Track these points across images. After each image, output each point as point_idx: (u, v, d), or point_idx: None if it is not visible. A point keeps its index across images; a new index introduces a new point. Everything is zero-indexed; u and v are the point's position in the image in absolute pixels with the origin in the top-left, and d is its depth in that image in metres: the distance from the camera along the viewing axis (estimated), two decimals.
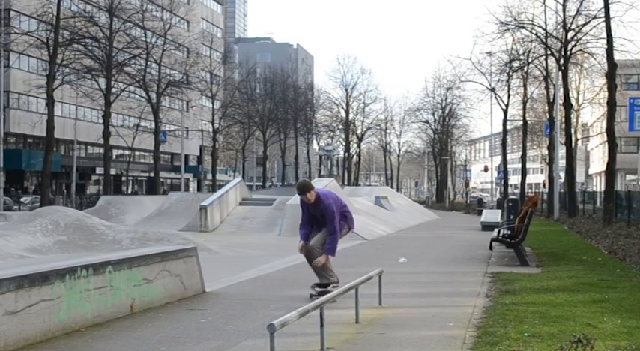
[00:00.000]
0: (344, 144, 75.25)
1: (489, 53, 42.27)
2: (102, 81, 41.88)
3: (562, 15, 32.64)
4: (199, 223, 23.69)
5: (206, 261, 10.74)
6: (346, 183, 66.93)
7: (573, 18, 32.34)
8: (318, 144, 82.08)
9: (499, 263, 13.37)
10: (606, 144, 25.63)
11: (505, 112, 46.99)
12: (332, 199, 9.18)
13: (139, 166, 67.84)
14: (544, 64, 38.50)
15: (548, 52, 34.98)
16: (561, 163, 40.75)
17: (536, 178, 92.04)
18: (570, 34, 32.26)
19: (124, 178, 63.58)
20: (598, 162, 69.45)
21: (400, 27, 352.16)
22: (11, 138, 51.64)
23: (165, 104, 57.90)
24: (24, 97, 50.62)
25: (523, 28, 35.15)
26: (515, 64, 40.71)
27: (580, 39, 32.84)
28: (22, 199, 42.26)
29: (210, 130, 61.93)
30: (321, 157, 79.33)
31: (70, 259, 7.96)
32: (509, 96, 46.57)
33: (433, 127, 69.54)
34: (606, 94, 26.28)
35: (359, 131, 76.48)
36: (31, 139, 53.75)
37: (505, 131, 48.78)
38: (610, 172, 24.19)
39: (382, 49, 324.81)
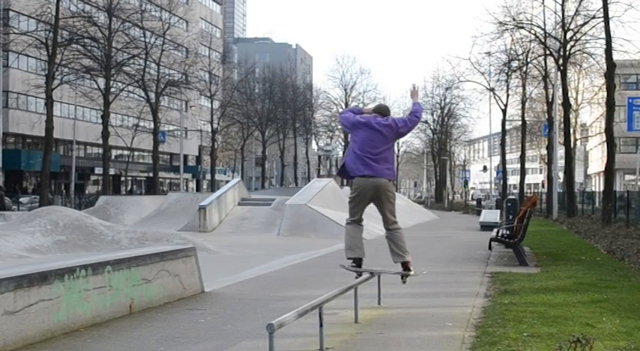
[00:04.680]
0: (343, 144, 75.27)
1: (488, 53, 42.31)
2: (101, 81, 41.84)
3: (561, 15, 32.66)
4: (198, 223, 23.69)
5: (205, 261, 10.74)
6: (345, 183, 66.93)
7: (572, 18, 32.35)
8: (317, 144, 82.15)
9: (498, 263, 13.37)
10: (605, 144, 25.65)
11: (504, 112, 47.03)
12: None
13: (137, 166, 67.81)
14: (543, 64, 38.52)
15: (547, 52, 34.99)
16: (560, 163, 40.76)
17: (535, 178, 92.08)
18: (569, 34, 32.27)
19: (122, 178, 63.57)
20: (597, 162, 69.49)
21: (399, 27, 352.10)
22: (10, 138, 51.62)
23: (164, 104, 57.89)
24: (23, 97, 50.59)
25: (522, 28, 35.17)
26: (514, 64, 40.75)
27: (579, 39, 32.86)
28: (20, 199, 42.24)
29: (209, 130, 61.93)
30: (320, 157, 79.44)
31: (69, 259, 7.95)
32: (508, 96, 46.65)
33: (432, 127, 69.60)
34: (605, 94, 26.31)
35: None
36: (30, 139, 53.72)
37: (504, 131, 48.80)
38: (609, 172, 24.21)
39: (381, 49, 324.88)
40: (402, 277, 7.83)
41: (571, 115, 39.51)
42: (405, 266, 7.73)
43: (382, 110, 7.81)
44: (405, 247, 7.66)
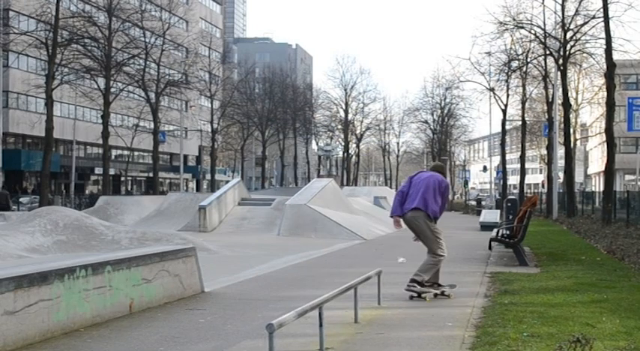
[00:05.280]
0: (343, 144, 75.31)
1: (488, 53, 42.33)
2: (101, 81, 41.83)
3: (561, 15, 32.66)
4: (198, 223, 23.66)
5: (205, 261, 10.74)
6: (345, 183, 66.96)
7: (572, 18, 32.36)
8: (317, 144, 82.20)
9: (498, 263, 13.38)
10: (605, 144, 25.65)
11: (504, 112, 47.03)
12: None
13: (137, 166, 67.83)
14: (543, 64, 38.52)
15: (547, 52, 34.99)
16: (560, 163, 40.77)
17: (535, 178, 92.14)
18: (569, 34, 32.27)
19: (122, 178, 63.58)
20: (597, 162, 69.52)
21: (399, 27, 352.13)
22: (10, 138, 51.61)
23: (164, 104, 57.87)
24: (23, 97, 50.60)
25: (522, 28, 35.18)
26: (514, 64, 40.75)
27: (579, 39, 32.86)
28: (20, 199, 42.24)
29: (209, 130, 61.93)
30: (320, 157, 79.49)
31: (69, 259, 7.95)
32: (508, 96, 46.64)
33: (432, 127, 69.62)
34: (605, 94, 26.31)
35: (358, 131, 76.56)
36: (30, 139, 53.72)
37: (504, 131, 48.80)
38: (609, 172, 24.21)
39: (381, 49, 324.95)
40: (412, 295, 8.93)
41: (571, 115, 39.53)
42: (412, 280, 8.94)
43: (437, 168, 9.75)
44: (423, 269, 9.04)
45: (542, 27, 34.44)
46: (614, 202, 25.61)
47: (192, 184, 77.16)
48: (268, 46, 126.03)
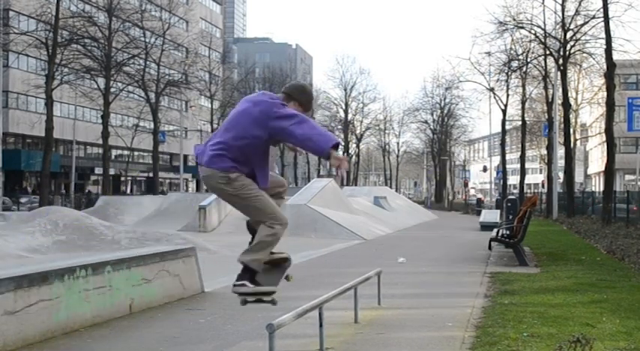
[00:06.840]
0: (343, 144, 75.32)
1: (488, 53, 42.35)
2: (101, 81, 41.82)
3: (561, 15, 32.68)
4: (198, 223, 23.67)
5: (205, 261, 10.74)
6: (345, 183, 66.95)
7: (572, 18, 32.37)
8: None
9: (498, 263, 13.37)
10: (605, 144, 25.66)
11: (504, 112, 47.03)
12: None
13: (137, 166, 67.81)
14: (543, 64, 38.53)
15: (547, 52, 35.00)
16: (560, 163, 40.77)
17: (535, 178, 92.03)
18: (569, 34, 32.29)
19: (122, 178, 63.58)
20: (597, 162, 69.48)
21: (399, 27, 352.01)
22: (10, 138, 51.55)
23: (164, 104, 57.85)
24: (23, 97, 50.55)
25: (522, 28, 35.19)
26: (514, 64, 40.74)
27: (579, 39, 32.87)
28: (20, 199, 42.23)
29: (209, 130, 61.91)
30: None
31: (69, 259, 7.95)
32: (507, 96, 46.66)
33: (432, 127, 69.63)
34: (605, 94, 26.32)
35: (358, 131, 76.56)
36: (29, 139, 53.69)
37: (504, 131, 48.79)
38: (609, 172, 24.22)
39: (381, 49, 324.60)
40: None
41: (571, 115, 39.53)
42: None
43: None
44: None
45: (542, 27, 34.45)
46: (614, 202, 25.61)
47: (192, 184, 77.10)
48: (268, 46, 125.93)
